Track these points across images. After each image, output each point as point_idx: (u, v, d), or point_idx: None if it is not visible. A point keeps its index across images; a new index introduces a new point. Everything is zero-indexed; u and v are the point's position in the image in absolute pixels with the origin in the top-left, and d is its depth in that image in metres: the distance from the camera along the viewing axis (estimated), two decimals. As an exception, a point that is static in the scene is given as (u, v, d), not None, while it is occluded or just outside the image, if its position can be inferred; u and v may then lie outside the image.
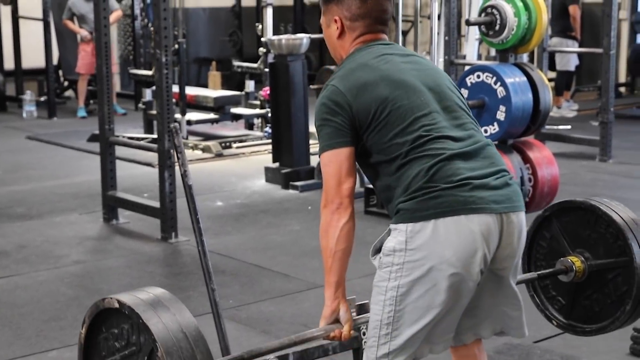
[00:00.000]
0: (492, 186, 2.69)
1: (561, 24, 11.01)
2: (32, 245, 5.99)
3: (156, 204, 6.17)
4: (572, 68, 11.55)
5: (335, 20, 2.86)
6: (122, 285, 5.18)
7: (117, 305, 2.52)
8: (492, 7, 5.97)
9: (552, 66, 11.57)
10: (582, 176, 8.11)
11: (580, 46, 11.38)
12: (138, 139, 8.86)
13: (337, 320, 2.82)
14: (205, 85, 13.20)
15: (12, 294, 5.05)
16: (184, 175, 3.77)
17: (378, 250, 2.77)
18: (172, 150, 5.96)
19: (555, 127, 10.00)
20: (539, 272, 3.50)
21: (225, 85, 13.20)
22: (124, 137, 8.88)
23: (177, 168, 6.85)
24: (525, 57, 9.84)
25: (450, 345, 2.89)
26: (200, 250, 3.75)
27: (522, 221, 2.77)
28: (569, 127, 10.29)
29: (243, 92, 10.38)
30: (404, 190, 2.67)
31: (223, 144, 9.27)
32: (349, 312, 2.82)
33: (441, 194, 2.63)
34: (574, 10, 10.97)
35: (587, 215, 3.47)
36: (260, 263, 5.59)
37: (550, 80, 11.90)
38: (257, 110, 9.85)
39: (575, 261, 3.42)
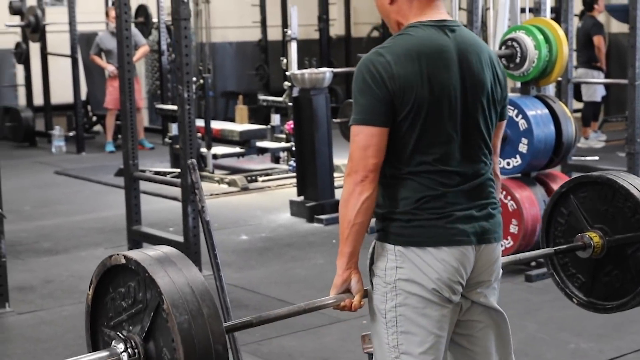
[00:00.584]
0: (474, 217, 2.72)
1: (586, 55, 11.01)
2: (58, 280, 6.06)
3: (180, 238, 6.22)
4: (598, 99, 11.52)
5: None
6: (145, 320, 5.22)
7: (123, 261, 2.48)
8: (513, 40, 6.00)
9: (578, 97, 11.58)
10: (608, 207, 8.06)
11: (606, 76, 11.37)
12: (164, 173, 8.95)
13: (347, 290, 2.79)
14: (232, 119, 13.30)
15: (37, 329, 5.11)
16: (201, 211, 3.85)
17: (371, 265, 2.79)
18: (195, 185, 6.00)
19: (582, 158, 9.97)
20: (555, 248, 3.44)
21: (253, 118, 13.29)
22: (150, 171, 8.99)
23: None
24: (551, 89, 9.91)
25: None
26: (217, 286, 3.81)
27: (497, 252, 2.80)
28: (596, 158, 10.26)
29: (269, 126, 10.45)
30: (390, 206, 2.70)
31: (249, 178, 9.34)
32: (361, 282, 2.78)
33: (425, 224, 2.67)
34: (599, 40, 10.96)
35: (604, 189, 3.37)
36: (283, 297, 5.61)
37: (577, 111, 11.91)
38: (283, 144, 9.90)
39: (594, 237, 3.35)
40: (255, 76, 14.77)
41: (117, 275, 2.55)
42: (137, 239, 6.58)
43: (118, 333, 2.51)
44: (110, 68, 11.51)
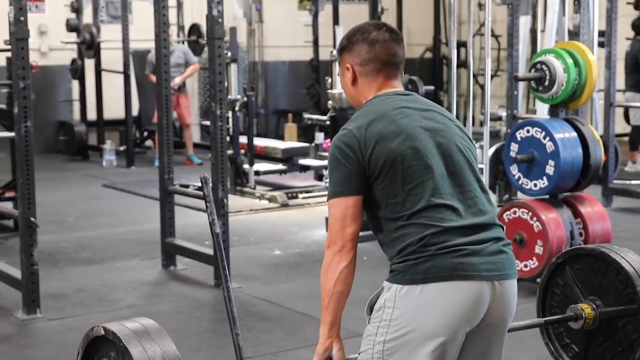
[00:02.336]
0: (484, 253, 2.74)
1: (633, 79, 10.94)
2: (90, 289, 6.24)
3: (210, 251, 6.36)
4: (645, 123, 11.44)
5: (348, 68, 2.96)
6: (168, 330, 5.31)
7: (102, 332, 2.69)
8: (542, 63, 6.04)
9: (628, 120, 11.53)
10: (647, 232, 8.04)
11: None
12: (200, 188, 9.10)
13: (329, 358, 2.91)
14: (283, 137, 13.48)
15: (64, 335, 5.28)
16: (212, 224, 3.94)
17: (372, 308, 2.85)
18: (225, 199, 6.15)
19: (627, 182, 9.91)
20: (545, 319, 3.54)
21: (302, 136, 13.44)
22: (194, 186, 9.16)
23: (242, 216, 7.33)
24: (599, 113, 9.89)
25: None
26: (225, 296, 3.89)
27: (512, 288, 2.81)
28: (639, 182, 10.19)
29: (313, 144, 10.58)
30: (398, 252, 2.74)
31: (289, 194, 9.47)
32: (342, 350, 2.90)
33: (431, 259, 2.70)
34: (646, 64, 10.90)
35: (597, 262, 3.50)
36: (306, 311, 5.71)
37: (624, 135, 11.86)
38: (325, 162, 10.02)
39: (586, 308, 3.45)
40: (307, 95, 14.92)
41: (101, 346, 2.77)
42: (170, 252, 6.75)
43: None
44: None
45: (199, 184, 9.67)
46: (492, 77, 15.26)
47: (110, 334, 2.65)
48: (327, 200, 2.86)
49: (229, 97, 9.61)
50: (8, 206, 7.14)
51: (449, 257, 2.69)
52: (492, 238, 2.79)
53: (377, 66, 2.93)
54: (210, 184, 4.05)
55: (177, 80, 11.65)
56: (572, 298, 3.56)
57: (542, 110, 9.66)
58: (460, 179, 2.85)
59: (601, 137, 8.84)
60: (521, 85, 9.07)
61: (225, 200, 6.18)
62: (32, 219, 5.49)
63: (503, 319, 2.82)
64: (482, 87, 12.87)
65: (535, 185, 6.02)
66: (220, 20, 6.07)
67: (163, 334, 2.68)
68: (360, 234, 2.87)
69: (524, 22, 9.61)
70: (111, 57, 12.92)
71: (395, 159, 2.77)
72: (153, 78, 11.94)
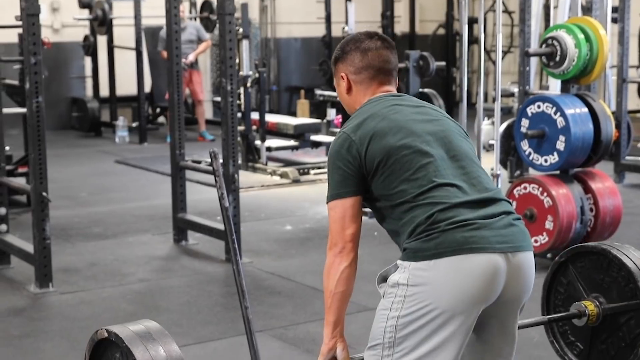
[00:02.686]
0: (495, 226, 2.74)
1: (647, 55, 10.91)
2: (102, 263, 6.29)
3: (221, 226, 6.39)
4: (659, 99, 11.41)
5: (342, 77, 3.02)
6: (180, 303, 5.42)
7: (106, 334, 2.74)
8: (553, 38, 6.02)
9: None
10: (656, 208, 8.04)
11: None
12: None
13: (334, 358, 2.94)
14: (295, 113, 13.48)
15: (75, 309, 5.32)
16: (221, 198, 3.96)
17: (384, 279, 2.86)
18: (235, 175, 6.18)
19: (639, 158, 9.88)
20: (549, 316, 3.58)
21: (315, 113, 13.43)
22: (206, 162, 9.18)
23: (253, 192, 7.35)
24: (612, 89, 9.85)
25: None
26: (234, 270, 3.91)
27: (529, 261, 2.80)
28: (653, 158, 10.15)
29: (324, 120, 10.59)
30: (409, 235, 2.75)
31: (301, 170, 9.50)
32: (346, 350, 2.93)
33: (441, 234, 2.69)
34: (659, 41, 10.86)
35: (599, 259, 3.53)
36: (317, 285, 5.74)
37: (637, 112, 11.82)
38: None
39: (589, 305, 3.49)
40: (319, 71, 14.90)
41: (106, 349, 2.79)
42: (182, 227, 6.79)
43: None
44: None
45: (208, 160, 9.72)
46: (505, 53, 15.26)
47: (113, 335, 2.70)
48: (327, 202, 2.91)
49: (241, 73, 9.61)
50: (21, 182, 7.17)
51: (459, 231, 2.69)
52: (502, 212, 2.79)
53: (370, 73, 2.99)
54: (220, 159, 4.09)
55: (190, 57, 11.67)
56: (576, 296, 3.58)
57: (554, 87, 9.63)
58: (462, 162, 2.87)
59: (614, 113, 8.85)
60: (534, 62, 9.04)
61: (236, 175, 6.21)
62: (44, 193, 5.53)
63: (520, 294, 2.81)
64: (495, 63, 12.83)
65: (545, 160, 6.02)
66: (230, -4, 6.08)
67: (166, 335, 2.72)
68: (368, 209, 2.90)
69: (537, -2, 9.57)
70: (123, 33, 12.92)
71: (390, 151, 2.80)
72: (165, 54, 11.97)
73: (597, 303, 3.48)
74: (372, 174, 2.82)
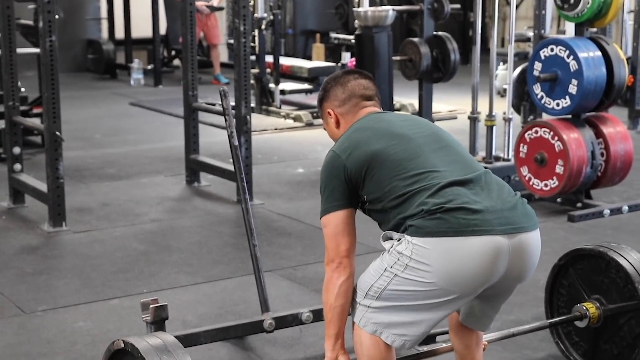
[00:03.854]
0: (497, 208, 2.77)
1: (665, 0, 10.76)
2: (115, 203, 6.35)
3: (233, 168, 6.41)
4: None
5: (329, 113, 3.15)
6: (191, 243, 5.48)
7: (122, 345, 2.83)
8: (568, -20, 5.97)
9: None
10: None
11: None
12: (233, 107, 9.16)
13: None
14: (311, 57, 13.43)
15: (88, 247, 5.39)
16: (230, 136, 4.01)
17: (389, 238, 2.89)
18: (247, 116, 6.20)
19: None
20: (551, 320, 3.67)
21: (330, 57, 13.38)
22: (219, 104, 9.19)
23: (266, 135, 7.29)
24: (629, 34, 9.76)
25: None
26: (243, 208, 3.98)
27: (533, 240, 2.82)
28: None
29: (339, 64, 10.55)
30: (411, 216, 2.77)
31: (314, 114, 9.49)
32: None
33: (444, 215, 2.72)
34: (678, -15, 10.71)
35: (598, 261, 3.62)
36: (327, 227, 5.78)
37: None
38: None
39: (590, 307, 3.57)
40: (335, 15, 14.81)
41: (121, 359, 2.87)
42: (194, 168, 6.83)
43: None
44: (197, 4, 11.75)
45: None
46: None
47: (129, 346, 2.79)
48: (320, 219, 2.97)
49: (255, 15, 9.58)
50: (36, 122, 7.20)
51: (461, 214, 2.72)
52: (502, 192, 2.84)
53: (353, 102, 3.12)
54: (229, 98, 4.11)
55: (215, 2, 11.68)
56: (578, 297, 3.68)
57: (571, 32, 9.57)
58: (453, 153, 2.94)
59: (629, 59, 8.79)
60: (550, 6, 8.96)
61: (248, 117, 6.23)
62: (58, 132, 5.57)
63: (523, 273, 2.85)
64: (517, 6, 12.72)
65: (557, 104, 6.00)
66: (243, -64, 6.04)
67: (181, 348, 2.79)
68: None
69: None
70: (139, -26, 12.90)
71: (374, 156, 2.88)
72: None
73: (598, 305, 3.57)
74: (361, 182, 2.89)
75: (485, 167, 2.98)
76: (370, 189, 2.87)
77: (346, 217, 2.91)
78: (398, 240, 2.80)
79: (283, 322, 3.76)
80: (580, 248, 3.71)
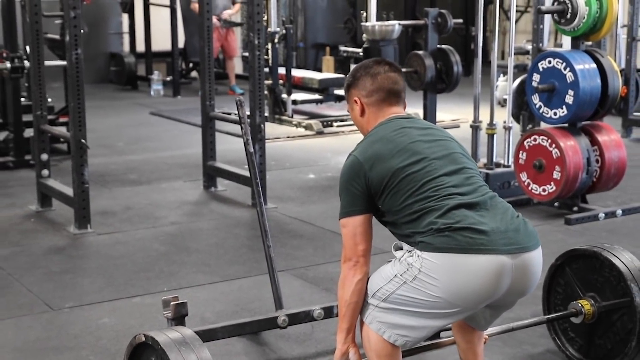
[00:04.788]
0: (501, 230, 2.79)
1: (657, 15, 10.76)
2: (137, 207, 6.38)
3: (248, 173, 6.42)
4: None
5: (355, 101, 3.11)
6: (208, 244, 5.50)
7: (143, 339, 2.85)
8: (564, -4, 5.99)
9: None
10: (661, 161, 8.02)
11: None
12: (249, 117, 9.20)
13: None
14: (321, 69, 13.47)
15: (112, 248, 5.42)
16: (246, 144, 4.02)
17: (400, 248, 2.93)
18: (262, 125, 6.23)
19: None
20: (547, 316, 3.70)
21: (339, 69, 13.42)
22: (235, 114, 9.22)
23: (279, 143, 7.32)
24: (622, 48, 9.75)
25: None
26: (258, 210, 3.99)
27: (535, 259, 2.84)
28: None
29: (348, 75, 10.58)
30: (420, 232, 2.80)
31: (324, 123, 9.53)
32: (358, 353, 3.01)
33: (452, 234, 2.75)
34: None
35: (592, 261, 3.65)
36: (336, 229, 5.75)
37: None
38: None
39: (585, 304, 3.60)
40: (344, 29, 14.85)
41: (143, 352, 2.91)
42: (211, 174, 6.86)
43: None
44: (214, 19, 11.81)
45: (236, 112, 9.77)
46: (522, 13, 15.11)
47: (150, 339, 2.81)
48: (339, 219, 2.98)
49: (269, 30, 9.62)
50: (62, 130, 7.24)
51: (468, 233, 2.74)
52: (507, 216, 2.85)
53: (381, 95, 3.06)
54: (246, 107, 4.13)
55: (225, 14, 11.73)
56: (573, 295, 3.70)
57: (568, 45, 9.58)
58: (463, 175, 2.93)
59: (622, 71, 8.79)
60: (548, 21, 8.98)
61: (262, 125, 6.25)
62: (83, 140, 5.61)
63: (525, 290, 2.87)
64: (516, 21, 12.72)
65: (555, 113, 6.01)
66: (258, -45, 6.07)
67: (198, 341, 2.82)
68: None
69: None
70: (159, -9, 12.94)
71: (395, 172, 2.87)
72: (196, 6, 11.99)
73: (593, 302, 3.59)
74: (379, 194, 2.89)
75: (493, 191, 2.98)
76: (386, 202, 2.88)
77: (365, 221, 2.92)
78: (409, 252, 2.83)
79: (296, 319, 3.78)
80: (576, 248, 3.73)
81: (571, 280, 3.70)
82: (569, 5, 5.97)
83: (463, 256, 2.72)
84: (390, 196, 2.86)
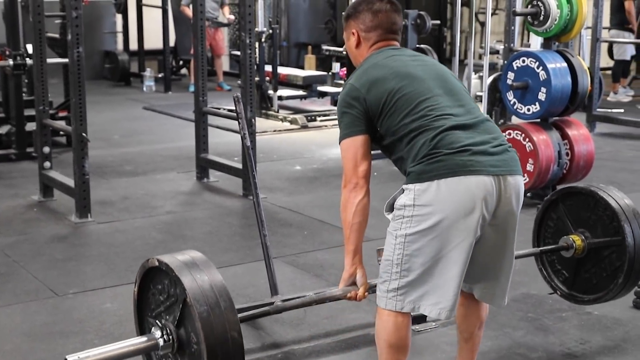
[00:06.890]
0: (490, 152, 2.76)
1: (618, 18, 10.80)
2: (134, 197, 6.29)
3: (239, 165, 6.39)
4: (627, 57, 11.30)
5: (353, 33, 3.04)
6: (203, 232, 5.43)
7: (157, 263, 2.73)
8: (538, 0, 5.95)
9: (612, 56, 11.40)
10: (624, 154, 8.02)
11: (637, 37, 11.14)
12: (231, 110, 9.10)
13: (354, 283, 2.96)
14: (303, 67, 13.37)
15: (111, 236, 5.34)
16: (243, 138, 3.96)
17: (391, 207, 2.85)
18: (252, 119, 6.15)
19: (609, 110, 9.83)
20: (541, 248, 3.62)
21: (320, 67, 13.32)
22: (224, 109, 9.14)
23: (267, 136, 7.21)
24: (586, 48, 9.77)
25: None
26: (254, 202, 3.94)
27: (518, 183, 2.83)
28: (621, 110, 10.10)
29: (330, 73, 10.52)
30: (412, 159, 2.76)
31: (309, 117, 9.46)
32: (365, 276, 2.96)
33: (443, 158, 2.71)
34: (629, 5, 10.73)
35: (587, 199, 3.58)
36: (323, 218, 5.75)
37: (608, 69, 11.72)
38: (341, 89, 9.96)
39: (576, 239, 3.54)
40: (325, 29, 14.77)
41: (155, 275, 2.80)
42: (204, 165, 6.78)
43: (157, 321, 2.75)
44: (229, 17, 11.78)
45: (229, 108, 9.67)
46: (492, 14, 15.09)
47: (163, 265, 2.69)
48: (339, 143, 2.91)
49: (256, 29, 9.51)
50: (62, 124, 7.13)
51: (458, 156, 2.71)
52: (495, 140, 2.82)
53: (378, 32, 3.01)
54: (242, 103, 4.06)
55: (232, 17, 11.70)
56: (564, 230, 3.65)
57: (535, 45, 9.55)
58: (457, 95, 2.89)
59: (587, 69, 8.78)
60: (517, 22, 8.95)
61: (253, 120, 6.18)
62: (84, 134, 5.51)
63: (512, 210, 2.82)
64: (483, 24, 12.72)
65: (528, 110, 5.99)
66: (249, -42, 5.99)
67: (210, 265, 2.71)
68: (373, 152, 2.88)
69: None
70: (151, -8, 12.79)
71: (391, 93, 2.82)
72: (187, 11, 11.86)
73: (583, 237, 3.53)
74: (377, 116, 2.83)
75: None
76: (385, 123, 2.82)
77: (365, 142, 2.84)
78: (400, 195, 2.78)
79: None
80: (573, 186, 3.69)
81: (563, 215, 3.63)
82: (542, 7, 5.94)
83: (454, 179, 2.70)
84: (389, 116, 2.81)
